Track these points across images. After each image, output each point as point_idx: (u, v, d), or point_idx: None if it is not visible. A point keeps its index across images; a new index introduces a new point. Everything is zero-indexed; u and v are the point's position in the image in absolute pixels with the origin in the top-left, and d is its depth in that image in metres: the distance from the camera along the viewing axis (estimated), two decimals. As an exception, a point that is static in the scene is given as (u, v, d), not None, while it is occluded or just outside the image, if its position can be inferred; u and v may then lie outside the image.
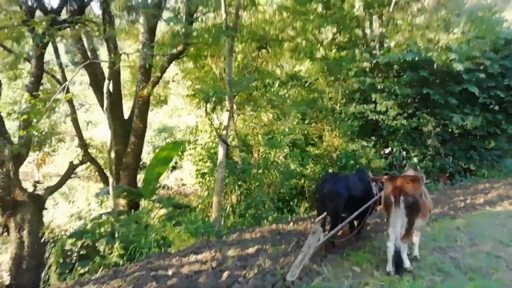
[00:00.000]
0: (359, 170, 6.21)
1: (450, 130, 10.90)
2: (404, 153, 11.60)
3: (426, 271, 4.22)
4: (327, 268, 4.46)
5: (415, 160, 11.20)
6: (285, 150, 9.84)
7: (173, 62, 9.58)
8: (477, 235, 5.60)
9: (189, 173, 13.89)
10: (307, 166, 10.02)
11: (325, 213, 5.00)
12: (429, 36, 11.79)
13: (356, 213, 5.02)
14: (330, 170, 9.90)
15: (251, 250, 5.44)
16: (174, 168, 21.49)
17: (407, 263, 4.16)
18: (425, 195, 4.51)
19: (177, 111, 22.83)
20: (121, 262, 5.55)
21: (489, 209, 7.78)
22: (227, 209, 8.22)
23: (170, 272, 4.69)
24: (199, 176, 9.70)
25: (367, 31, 13.38)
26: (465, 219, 7.00)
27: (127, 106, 11.53)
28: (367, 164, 10.14)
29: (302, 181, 10.01)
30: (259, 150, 9.69)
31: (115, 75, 9.43)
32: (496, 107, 10.51)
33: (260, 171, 8.97)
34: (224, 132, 7.03)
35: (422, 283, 3.85)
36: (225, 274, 4.47)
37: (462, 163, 11.48)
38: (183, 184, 16.21)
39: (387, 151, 11.53)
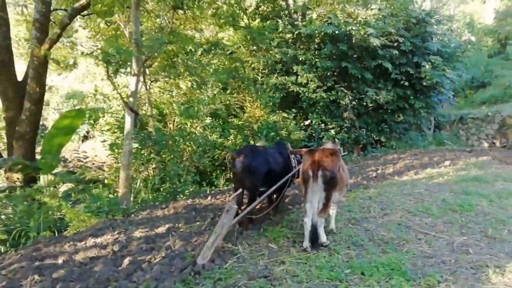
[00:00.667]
0: (278, 142, 5.95)
1: (365, 104, 11.38)
2: (322, 125, 11.84)
3: (342, 244, 4.14)
4: (242, 247, 4.14)
5: (333, 132, 11.51)
6: (206, 120, 9.30)
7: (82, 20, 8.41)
8: (388, 205, 5.78)
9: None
10: (228, 138, 9.66)
11: (240, 190, 4.65)
12: (348, 10, 11.97)
13: (274, 187, 4.77)
14: (252, 142, 9.68)
15: (161, 229, 4.90)
16: (86, 138, 19.64)
17: (323, 238, 4.02)
18: (343, 169, 4.40)
19: (90, 76, 20.79)
20: (1, 249, 4.66)
21: (397, 179, 8.23)
22: (138, 184, 7.50)
23: (60, 261, 3.95)
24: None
25: (290, 1, 13.15)
26: (376, 188, 7.27)
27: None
28: (288, 136, 10.11)
29: (223, 153, 9.64)
30: (174, 120, 8.98)
31: (4, 29, 7.98)
32: (406, 83, 11.15)
33: (177, 142, 8.34)
34: (131, 99, 6.19)
35: (338, 258, 3.73)
36: (127, 260, 3.88)
37: (374, 135, 12.15)
38: (95, 156, 14.84)
39: (306, 123, 11.66)
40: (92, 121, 12.86)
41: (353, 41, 10.80)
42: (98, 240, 4.58)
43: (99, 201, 6.01)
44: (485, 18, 27.98)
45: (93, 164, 13.24)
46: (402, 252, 3.82)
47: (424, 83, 10.66)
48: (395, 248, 3.94)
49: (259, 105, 9.99)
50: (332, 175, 3.88)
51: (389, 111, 12.04)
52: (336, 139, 7.08)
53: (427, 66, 10.33)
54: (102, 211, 5.69)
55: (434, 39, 11.26)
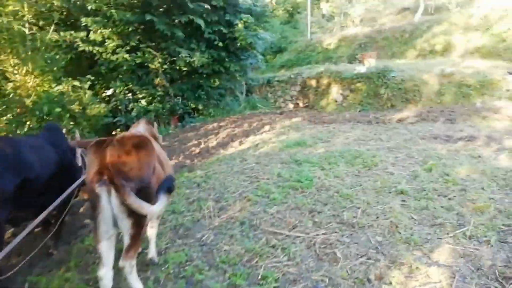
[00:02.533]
0: (48, 127, 3.65)
1: (178, 67, 9.83)
2: (130, 94, 9.69)
3: (168, 286, 2.61)
4: None
5: (143, 102, 9.58)
6: None
7: None
8: (222, 193, 4.57)
9: None
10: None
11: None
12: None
13: (47, 211, 2.72)
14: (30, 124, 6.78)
15: None
16: None
17: None
18: (161, 163, 2.73)
19: None
20: None
21: (223, 152, 7.23)
22: None
23: None
24: None
25: None
26: (203, 169, 6.02)
27: None
28: (83, 112, 7.60)
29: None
30: None
31: None
32: (220, 44, 10.13)
33: None
34: None
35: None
36: None
37: (191, 103, 10.89)
38: None
39: (108, 92, 9.27)
40: None
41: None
42: None
43: None
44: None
45: None
46: (258, 281, 2.58)
47: (238, 44, 9.91)
48: (246, 274, 2.68)
49: (30, 71, 6.98)
50: (142, 186, 2.20)
51: (204, 75, 10.91)
52: (152, 118, 5.31)
53: (240, 25, 9.54)
54: None
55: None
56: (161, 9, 9.34)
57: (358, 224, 3.41)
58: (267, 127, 9.60)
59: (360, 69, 11.68)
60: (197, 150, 7.43)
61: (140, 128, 3.17)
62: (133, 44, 9.08)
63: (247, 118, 11.73)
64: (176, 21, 9.05)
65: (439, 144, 6.55)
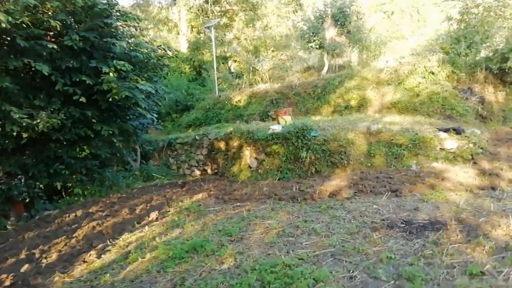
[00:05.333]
0: None
1: (13, 134, 6.42)
2: None
3: None
4: None
5: None
6: None
7: None
8: None
9: None
10: None
11: None
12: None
13: None
14: None
15: None
16: None
17: None
18: None
19: None
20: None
21: (60, 280, 4.09)
22: None
23: None
24: None
25: None
26: None
27: None
28: None
29: None
30: None
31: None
32: (83, 99, 7.07)
33: None
34: None
35: None
36: None
37: (43, 183, 7.47)
38: None
39: None
40: None
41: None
42: None
43: None
44: (181, 47, 28.96)
45: None
46: None
47: (110, 99, 7.03)
48: None
49: None
50: None
51: (64, 143, 7.71)
52: None
53: (112, 74, 6.76)
54: None
55: (119, 39, 7.81)
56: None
57: None
58: (154, 214, 6.69)
59: (275, 128, 9.68)
60: (9, 281, 4.14)
61: None
62: None
63: (134, 196, 8.66)
64: (4, 65, 5.91)
65: (402, 239, 4.39)
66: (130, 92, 6.91)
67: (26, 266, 4.45)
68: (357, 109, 13.58)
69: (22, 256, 4.98)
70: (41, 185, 7.45)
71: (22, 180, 7.07)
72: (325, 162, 8.87)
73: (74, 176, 8.08)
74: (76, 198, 8.33)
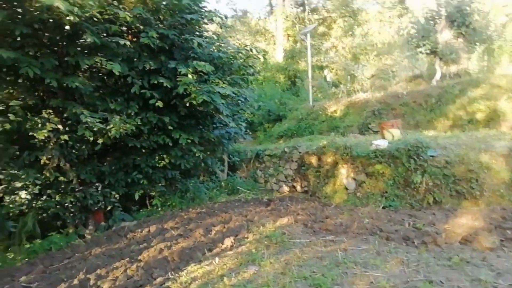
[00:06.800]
0: None
1: (86, 139, 6.00)
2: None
3: None
4: None
5: (23, 195, 5.76)
6: None
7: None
8: None
9: None
10: None
11: None
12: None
13: None
14: None
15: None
16: None
17: None
18: None
19: None
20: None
21: None
22: None
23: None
24: None
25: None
26: None
27: None
28: None
29: None
30: None
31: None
32: (160, 104, 6.39)
33: None
34: None
35: None
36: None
37: (120, 192, 7.01)
38: None
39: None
40: None
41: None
42: None
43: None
44: (276, 57, 28.47)
45: None
46: None
47: (188, 104, 6.19)
48: None
49: None
50: None
51: (143, 150, 7.19)
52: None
53: (190, 76, 5.91)
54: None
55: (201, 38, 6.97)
56: (37, 39, 5.53)
57: None
58: (229, 241, 5.60)
59: (380, 143, 7.94)
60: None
61: None
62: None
63: (214, 213, 7.79)
64: (72, 63, 5.39)
65: None
66: (209, 96, 6.00)
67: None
68: (485, 123, 10.88)
69: (75, 282, 4.28)
70: (116, 195, 7.02)
71: (99, 189, 6.69)
72: (448, 190, 6.84)
73: (153, 187, 7.53)
74: (155, 210, 7.77)
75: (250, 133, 18.02)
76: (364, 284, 3.83)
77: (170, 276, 4.41)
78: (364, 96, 15.40)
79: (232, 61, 7.33)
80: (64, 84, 5.31)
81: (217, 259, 4.90)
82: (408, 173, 7.25)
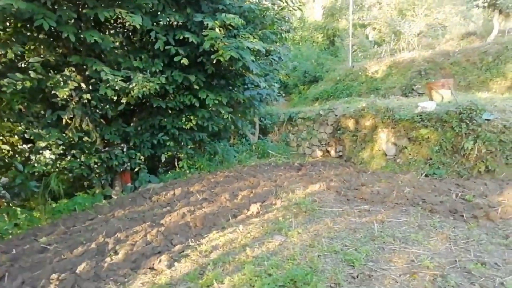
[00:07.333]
0: None
1: (109, 98, 5.70)
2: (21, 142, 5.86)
3: None
4: None
5: (48, 155, 5.70)
6: None
7: None
8: None
9: None
10: None
11: None
12: None
13: None
14: None
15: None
16: None
17: None
18: None
19: None
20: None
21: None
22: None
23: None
24: None
25: None
26: None
27: None
28: None
29: None
30: None
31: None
32: (184, 61, 5.77)
33: None
34: None
35: None
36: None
37: (146, 153, 6.83)
38: None
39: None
40: None
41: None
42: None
43: None
44: (315, 15, 26.83)
45: None
46: None
47: (215, 61, 5.69)
48: None
49: None
50: None
51: (169, 111, 6.89)
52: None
53: (217, 30, 5.35)
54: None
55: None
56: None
57: None
58: (255, 207, 5.28)
59: (427, 106, 7.13)
60: (53, 286, 3.27)
61: None
62: (14, 55, 5.16)
63: (242, 176, 7.49)
64: (89, 16, 4.97)
65: None
66: (237, 52, 5.47)
67: (83, 266, 3.54)
68: (551, 85, 9.59)
69: (93, 246, 4.17)
70: (142, 157, 6.87)
71: (124, 150, 6.55)
72: (504, 158, 6.05)
73: (181, 149, 7.31)
74: (180, 173, 7.60)
75: (284, 95, 17.33)
76: (403, 262, 3.39)
77: (190, 244, 4.19)
78: (409, 55, 14.12)
79: (264, 14, 6.66)
80: (83, 39, 5.00)
81: (241, 226, 4.61)
82: (457, 139, 6.49)
